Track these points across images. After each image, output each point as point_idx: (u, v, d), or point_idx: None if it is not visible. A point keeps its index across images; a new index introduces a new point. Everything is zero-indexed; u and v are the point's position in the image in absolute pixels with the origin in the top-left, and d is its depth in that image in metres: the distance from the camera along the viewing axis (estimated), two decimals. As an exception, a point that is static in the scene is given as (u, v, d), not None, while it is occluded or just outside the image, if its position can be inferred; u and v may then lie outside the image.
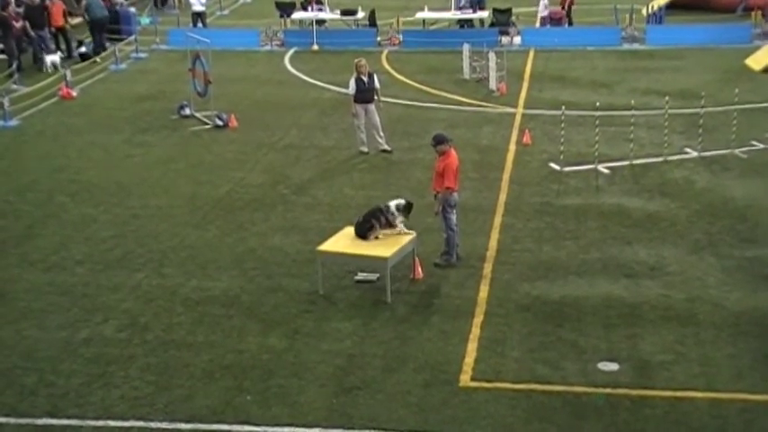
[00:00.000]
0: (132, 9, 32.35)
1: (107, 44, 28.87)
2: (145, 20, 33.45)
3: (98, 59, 27.53)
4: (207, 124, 21.14)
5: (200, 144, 20.00)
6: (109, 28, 29.72)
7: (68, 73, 24.67)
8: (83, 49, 28.39)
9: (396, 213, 13.02)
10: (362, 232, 12.97)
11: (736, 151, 18.16)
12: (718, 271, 13.23)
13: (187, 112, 21.88)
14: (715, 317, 11.92)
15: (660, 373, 10.69)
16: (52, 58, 26.81)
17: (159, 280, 13.47)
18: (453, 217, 13.51)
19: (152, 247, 14.63)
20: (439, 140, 13.57)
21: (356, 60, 18.99)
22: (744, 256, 13.66)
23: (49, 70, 26.33)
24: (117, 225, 15.57)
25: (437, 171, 13.56)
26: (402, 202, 13.15)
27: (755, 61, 25.17)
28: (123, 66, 27.65)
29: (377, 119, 18.87)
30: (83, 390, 10.68)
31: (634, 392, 10.32)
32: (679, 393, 10.28)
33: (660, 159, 17.88)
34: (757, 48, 26.25)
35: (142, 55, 29.00)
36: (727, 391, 10.31)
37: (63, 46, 28.96)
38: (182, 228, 15.36)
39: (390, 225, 12.98)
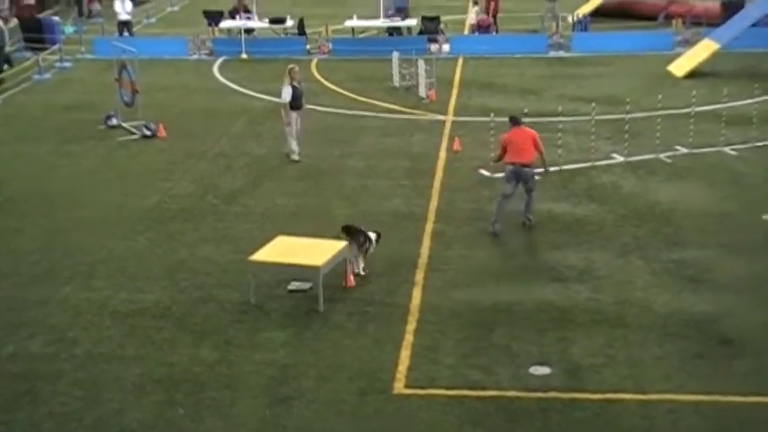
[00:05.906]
0: (56, 18, 31.79)
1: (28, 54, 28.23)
2: (69, 29, 32.89)
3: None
4: (134, 134, 20.86)
5: (127, 154, 19.72)
6: (32, 38, 29.13)
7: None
8: None
9: (374, 244, 13.60)
10: (352, 232, 13.39)
11: (661, 156, 18.53)
12: (645, 273, 13.47)
13: (114, 122, 21.54)
14: (643, 319, 12.13)
15: (591, 376, 10.83)
16: None
17: (87, 293, 13.23)
18: (505, 187, 15.00)
19: (79, 259, 14.36)
20: (509, 119, 15.44)
21: (290, 67, 18.90)
22: (670, 258, 13.94)
23: None
24: (43, 237, 15.26)
25: None
26: (375, 235, 13.68)
27: (678, 68, 25.74)
28: (48, 75, 27.16)
29: (299, 125, 18.91)
30: (9, 406, 10.43)
31: (565, 395, 10.43)
32: (609, 395, 10.42)
33: (588, 165, 18.16)
34: (679, 54, 26.83)
35: (67, 64, 28.52)
36: (656, 391, 10.49)
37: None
38: (110, 239, 15.12)
39: (366, 253, 13.46)
